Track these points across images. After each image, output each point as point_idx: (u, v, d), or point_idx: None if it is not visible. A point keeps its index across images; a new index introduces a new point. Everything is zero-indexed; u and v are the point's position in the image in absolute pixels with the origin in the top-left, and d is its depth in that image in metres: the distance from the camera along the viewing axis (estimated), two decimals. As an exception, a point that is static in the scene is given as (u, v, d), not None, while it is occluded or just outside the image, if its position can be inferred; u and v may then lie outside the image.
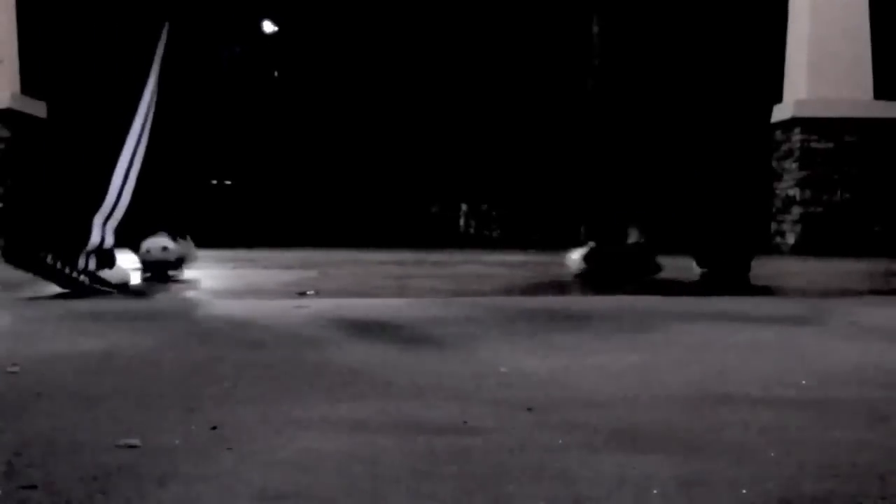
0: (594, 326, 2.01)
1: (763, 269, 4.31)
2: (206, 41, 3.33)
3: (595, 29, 3.43)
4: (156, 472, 0.84)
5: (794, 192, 7.13)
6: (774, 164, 7.48)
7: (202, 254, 3.47)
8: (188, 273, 3.25)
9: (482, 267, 4.28)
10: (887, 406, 1.15)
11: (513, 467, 0.86)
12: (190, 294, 2.77)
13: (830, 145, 7.04)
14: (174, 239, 3.13)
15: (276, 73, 8.52)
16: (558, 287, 3.21)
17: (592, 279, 3.35)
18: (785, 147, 7.32)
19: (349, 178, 8.33)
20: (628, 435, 0.99)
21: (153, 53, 2.80)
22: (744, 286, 3.11)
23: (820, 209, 7.04)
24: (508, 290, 2.99)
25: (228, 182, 8.27)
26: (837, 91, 7.03)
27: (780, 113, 7.29)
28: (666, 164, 3.42)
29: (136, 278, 3.15)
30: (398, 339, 1.75)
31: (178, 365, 1.44)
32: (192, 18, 3.05)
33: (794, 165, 7.14)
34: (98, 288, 2.67)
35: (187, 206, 3.26)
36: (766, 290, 3.09)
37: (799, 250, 6.95)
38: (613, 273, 3.39)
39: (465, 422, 1.05)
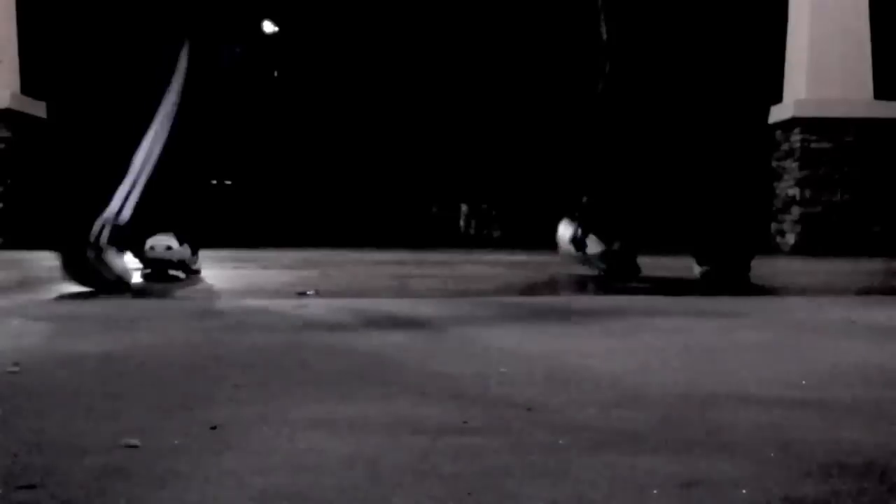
0: (594, 326, 2.01)
1: (763, 268, 4.30)
2: (206, 42, 3.33)
3: (603, 30, 3.44)
4: (156, 472, 0.84)
5: (794, 192, 7.13)
6: (774, 164, 7.48)
7: (202, 254, 3.47)
8: (187, 273, 3.25)
9: (482, 267, 4.28)
10: (888, 406, 1.15)
11: (513, 467, 0.86)
12: (190, 294, 2.77)
13: (830, 145, 7.04)
14: (179, 240, 3.13)
15: (276, 74, 8.52)
16: (558, 287, 3.21)
17: (593, 278, 3.35)
18: (785, 147, 7.32)
19: (349, 178, 8.33)
20: (628, 435, 0.99)
21: (178, 54, 2.93)
22: (744, 285, 3.11)
23: (820, 209, 7.04)
24: (509, 290, 2.99)
25: (228, 182, 8.27)
26: (837, 91, 7.03)
27: (780, 113, 7.29)
28: (667, 164, 3.42)
29: (136, 277, 3.15)
30: (398, 340, 1.75)
31: (178, 365, 1.44)
32: (212, 29, 3.11)
33: (794, 165, 7.13)
34: (98, 272, 2.68)
35: (197, 208, 3.27)
36: (766, 290, 3.09)
37: (799, 250, 6.94)
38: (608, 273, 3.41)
39: (465, 422, 1.05)
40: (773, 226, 7.46)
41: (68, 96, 3.01)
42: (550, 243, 3.72)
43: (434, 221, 8.53)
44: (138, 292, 2.76)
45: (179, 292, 2.78)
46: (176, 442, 0.95)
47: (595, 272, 3.47)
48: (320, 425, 1.03)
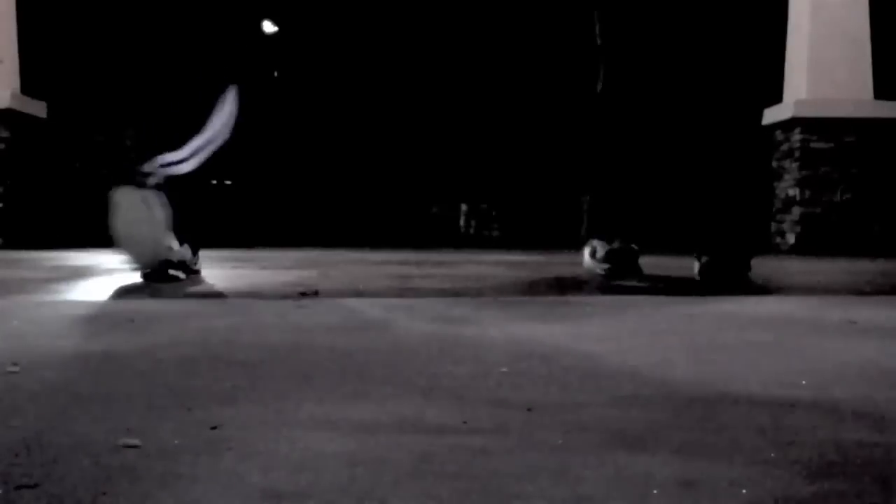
0: (594, 326, 2.01)
1: (763, 268, 4.30)
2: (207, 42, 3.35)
3: (597, 30, 3.45)
4: (156, 472, 0.84)
5: (794, 192, 7.13)
6: (774, 164, 7.48)
7: (203, 254, 3.47)
8: (187, 273, 3.25)
9: (482, 267, 4.28)
10: (888, 406, 1.15)
11: (513, 467, 0.86)
12: (190, 294, 2.77)
13: (830, 145, 7.04)
14: (180, 240, 3.14)
15: (276, 74, 8.52)
16: (558, 287, 3.21)
17: (596, 279, 3.36)
18: (785, 147, 7.32)
19: (349, 178, 8.33)
20: (628, 435, 0.99)
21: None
22: (744, 284, 3.11)
23: (820, 209, 7.04)
24: (509, 290, 2.99)
25: (228, 182, 8.27)
26: (837, 91, 7.03)
27: (780, 113, 7.29)
28: (665, 164, 3.43)
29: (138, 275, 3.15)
30: (398, 340, 1.75)
31: (179, 365, 1.44)
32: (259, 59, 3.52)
33: (794, 165, 7.13)
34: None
35: (198, 208, 3.31)
36: (766, 290, 3.09)
37: (799, 250, 6.95)
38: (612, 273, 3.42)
39: (464, 422, 1.05)
40: (773, 226, 7.46)
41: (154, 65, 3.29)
42: (550, 243, 3.72)
43: (434, 221, 8.52)
44: (139, 292, 2.77)
45: (179, 292, 2.78)
46: (176, 442, 0.95)
47: (597, 272, 3.47)
48: (320, 425, 1.03)
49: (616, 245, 3.45)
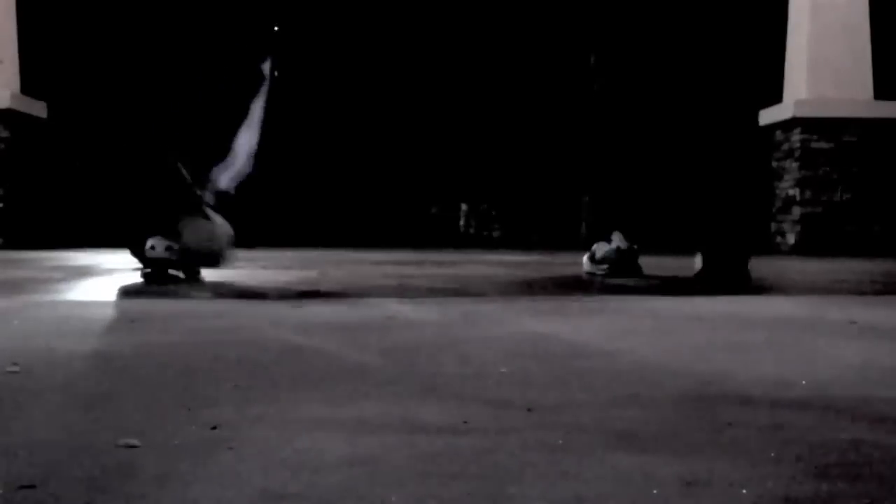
0: (594, 326, 2.01)
1: (763, 269, 4.30)
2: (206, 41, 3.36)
3: (592, 34, 3.47)
4: (156, 472, 0.84)
5: (794, 192, 7.13)
6: (774, 164, 7.48)
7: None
8: (187, 273, 3.25)
9: (482, 267, 4.28)
10: (888, 406, 1.15)
11: (513, 467, 0.86)
12: (190, 294, 2.77)
13: (830, 145, 7.04)
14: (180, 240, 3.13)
15: (276, 73, 8.53)
16: (558, 287, 3.21)
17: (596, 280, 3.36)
18: (785, 147, 7.32)
19: (349, 178, 8.33)
20: (628, 435, 0.99)
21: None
22: (742, 284, 3.12)
23: (820, 209, 7.04)
24: (509, 290, 2.99)
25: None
26: (837, 91, 7.03)
27: (780, 113, 7.29)
28: (665, 164, 3.44)
29: (138, 276, 3.15)
30: (398, 340, 1.75)
31: (178, 365, 1.44)
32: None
33: (794, 165, 7.13)
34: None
35: (198, 208, 3.34)
36: (766, 290, 3.09)
37: (799, 250, 6.94)
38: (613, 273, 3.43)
39: (465, 422, 1.05)
40: (773, 226, 7.46)
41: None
42: (550, 243, 3.73)
43: (434, 221, 8.52)
44: (139, 292, 2.77)
45: (180, 292, 2.78)
46: (176, 442, 0.95)
47: (597, 273, 3.48)
48: (320, 425, 1.03)
49: (616, 245, 3.46)
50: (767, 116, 7.45)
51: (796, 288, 3.35)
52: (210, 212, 3.27)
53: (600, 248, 3.49)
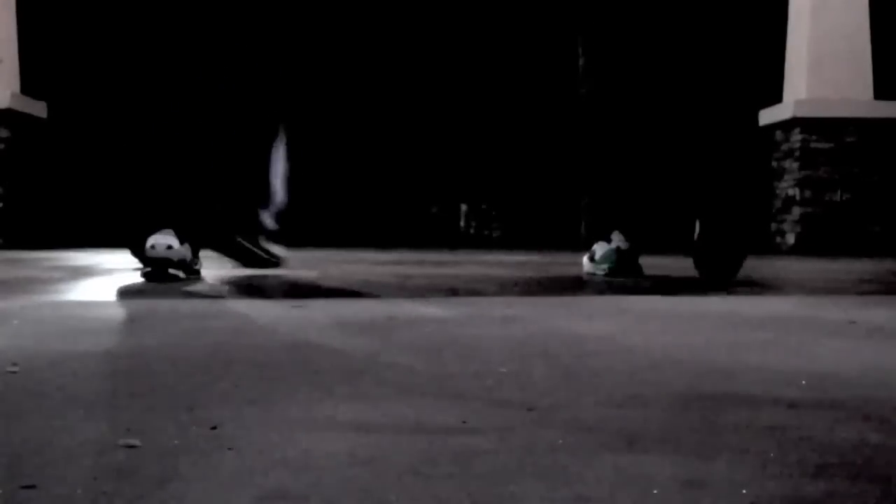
0: (594, 326, 2.01)
1: (763, 268, 4.31)
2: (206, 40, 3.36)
3: (580, 40, 3.48)
4: (156, 472, 0.84)
5: (794, 192, 7.13)
6: (774, 164, 7.48)
7: (203, 254, 3.46)
8: (187, 273, 3.25)
9: (482, 267, 4.28)
10: (887, 406, 1.15)
11: (513, 467, 0.86)
12: (190, 294, 2.77)
13: (830, 145, 7.04)
14: (180, 240, 3.13)
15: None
16: (558, 287, 3.21)
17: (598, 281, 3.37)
18: (785, 147, 7.32)
19: (348, 178, 8.33)
20: (628, 435, 0.99)
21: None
22: (735, 271, 3.17)
23: (820, 209, 7.04)
24: (509, 290, 2.99)
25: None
26: (837, 91, 7.03)
27: (780, 113, 7.29)
28: (664, 163, 3.44)
29: (137, 275, 3.15)
30: (398, 340, 1.75)
31: (178, 365, 1.44)
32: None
33: (794, 165, 7.14)
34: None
35: (198, 208, 3.36)
36: (766, 290, 3.09)
37: (799, 250, 6.95)
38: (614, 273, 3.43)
39: (464, 422, 1.05)
40: (773, 226, 7.46)
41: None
42: (551, 243, 3.74)
43: (434, 221, 8.52)
44: (139, 292, 2.77)
45: (179, 292, 2.78)
46: (176, 442, 0.95)
47: (597, 273, 3.48)
48: (321, 425, 1.03)
49: (616, 245, 3.46)
50: (767, 116, 7.46)
51: (796, 288, 3.35)
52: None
53: (600, 248, 3.49)
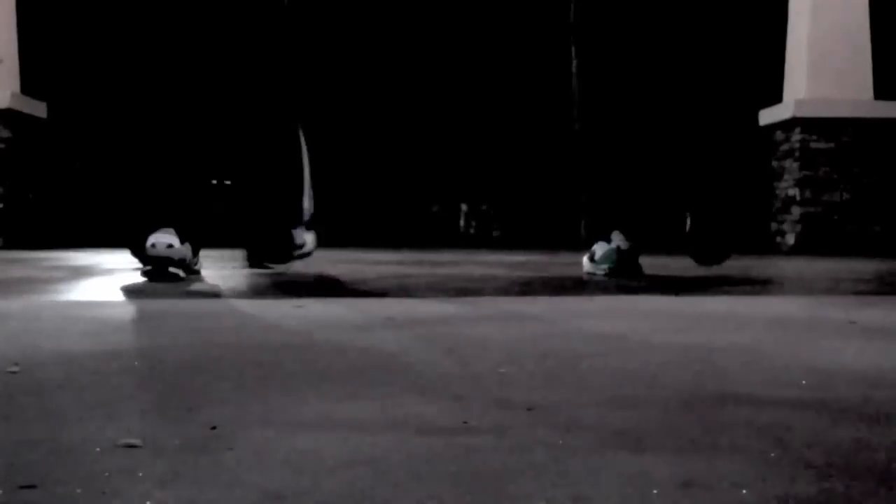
0: (594, 326, 2.01)
1: (763, 269, 4.31)
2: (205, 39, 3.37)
3: (572, 41, 3.51)
4: (156, 472, 0.84)
5: (794, 192, 7.12)
6: (774, 164, 7.48)
7: (203, 253, 3.46)
8: (187, 272, 3.25)
9: (482, 267, 4.28)
10: (887, 406, 1.15)
11: (513, 467, 0.86)
12: (190, 293, 2.77)
13: (830, 145, 7.04)
14: (181, 239, 3.13)
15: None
16: (558, 287, 3.21)
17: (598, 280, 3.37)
18: (785, 147, 7.32)
19: (348, 178, 8.33)
20: (628, 435, 0.99)
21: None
22: (720, 262, 3.25)
23: (820, 209, 7.04)
24: (509, 290, 2.99)
25: (228, 182, 8.27)
26: (837, 91, 7.03)
27: (780, 113, 7.29)
28: (663, 162, 3.46)
29: (137, 275, 3.15)
30: (398, 339, 1.75)
31: (178, 365, 1.44)
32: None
33: (795, 165, 7.13)
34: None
35: (198, 207, 3.36)
36: (766, 290, 3.09)
37: (799, 250, 6.94)
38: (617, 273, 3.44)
39: (464, 422, 1.05)
40: (773, 226, 7.46)
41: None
42: (551, 243, 3.74)
43: (434, 221, 8.52)
44: (139, 291, 2.77)
45: (179, 292, 2.78)
46: (176, 442, 0.95)
47: (597, 273, 3.48)
48: (321, 425, 1.03)
49: (616, 245, 3.46)
50: (767, 116, 7.45)
51: (796, 288, 3.35)
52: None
53: (600, 248, 3.49)
